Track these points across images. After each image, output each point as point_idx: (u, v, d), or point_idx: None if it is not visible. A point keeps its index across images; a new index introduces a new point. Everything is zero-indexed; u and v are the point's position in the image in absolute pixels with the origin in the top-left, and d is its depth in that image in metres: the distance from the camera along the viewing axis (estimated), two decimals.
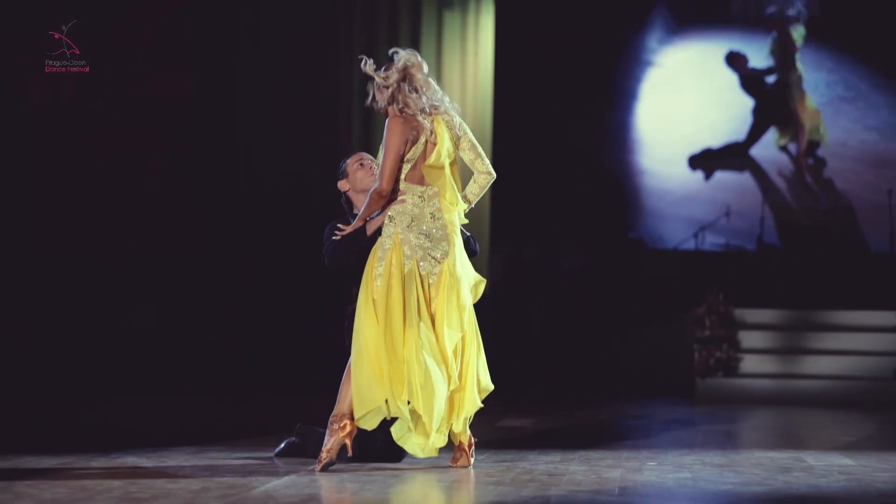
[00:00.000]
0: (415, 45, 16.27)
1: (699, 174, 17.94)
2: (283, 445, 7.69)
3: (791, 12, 17.95)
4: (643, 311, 15.81)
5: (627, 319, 15.77)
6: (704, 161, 17.91)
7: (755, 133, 17.99)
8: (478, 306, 7.04)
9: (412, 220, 6.95)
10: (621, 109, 18.11)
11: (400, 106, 7.03)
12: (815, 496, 6.32)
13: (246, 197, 15.60)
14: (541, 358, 15.48)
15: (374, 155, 7.40)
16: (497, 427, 9.92)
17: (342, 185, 7.68)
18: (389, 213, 6.97)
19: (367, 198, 7.08)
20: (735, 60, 17.98)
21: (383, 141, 7.04)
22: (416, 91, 7.06)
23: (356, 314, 6.93)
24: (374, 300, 6.86)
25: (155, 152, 15.17)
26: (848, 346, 14.74)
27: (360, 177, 7.56)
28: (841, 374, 14.32)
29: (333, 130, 16.30)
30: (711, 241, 17.79)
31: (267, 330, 15.39)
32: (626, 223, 17.96)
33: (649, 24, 18.19)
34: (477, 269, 7.18)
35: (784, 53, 17.94)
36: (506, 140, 16.44)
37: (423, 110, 7.02)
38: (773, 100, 17.97)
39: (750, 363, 14.44)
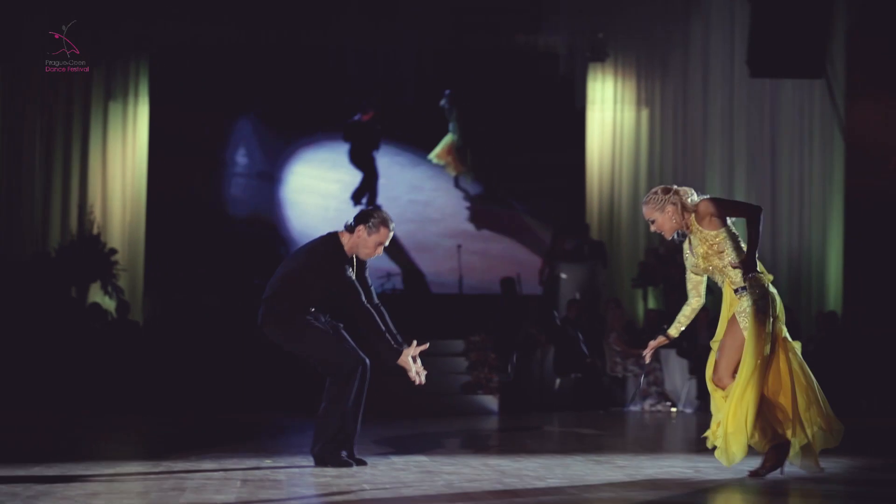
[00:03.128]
0: (85, 130, 19.98)
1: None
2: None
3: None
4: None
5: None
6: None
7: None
8: None
9: None
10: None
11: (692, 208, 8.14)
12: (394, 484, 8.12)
13: None
14: None
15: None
16: None
17: (360, 231, 8.38)
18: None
19: (751, 234, 7.82)
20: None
21: (714, 207, 7.96)
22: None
23: None
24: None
25: None
26: (437, 367, 15.89)
27: (366, 250, 8.44)
28: (424, 390, 17.19)
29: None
30: None
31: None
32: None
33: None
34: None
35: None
36: (161, 202, 20.11)
37: None
38: None
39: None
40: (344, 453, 8.46)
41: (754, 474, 8.01)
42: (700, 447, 8.79)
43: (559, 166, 20.92)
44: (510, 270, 20.16)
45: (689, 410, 16.90)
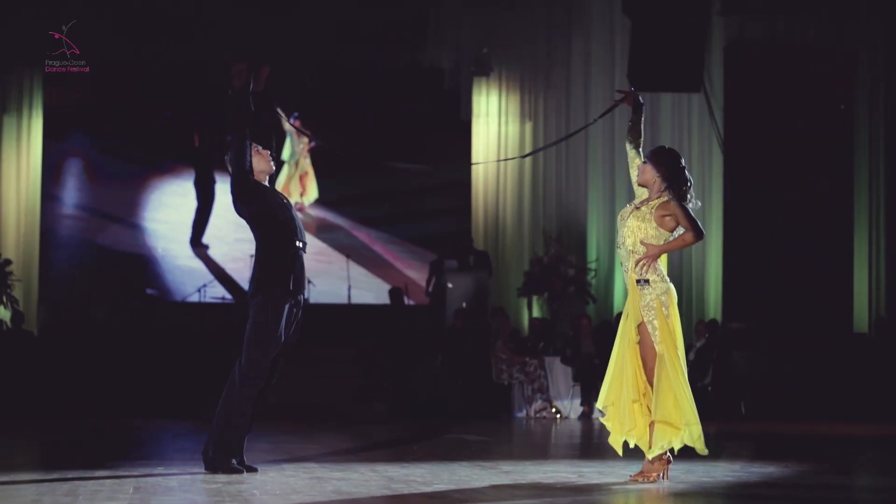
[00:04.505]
0: None
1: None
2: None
3: None
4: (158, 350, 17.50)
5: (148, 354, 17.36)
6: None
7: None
8: None
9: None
10: None
11: (679, 196, 8.18)
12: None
13: None
14: None
15: None
16: None
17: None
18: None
19: (682, 238, 8.06)
20: None
21: (679, 210, 8.05)
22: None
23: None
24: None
25: None
26: (327, 374, 16.82)
27: (256, 161, 8.55)
28: (316, 397, 16.36)
29: None
30: (212, 293, 20.52)
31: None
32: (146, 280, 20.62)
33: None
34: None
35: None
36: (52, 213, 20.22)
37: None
38: None
39: None
40: (234, 461, 8.53)
41: (638, 478, 8.17)
42: (584, 452, 8.95)
43: (444, 178, 21.12)
44: (398, 280, 20.35)
45: (573, 416, 17.20)
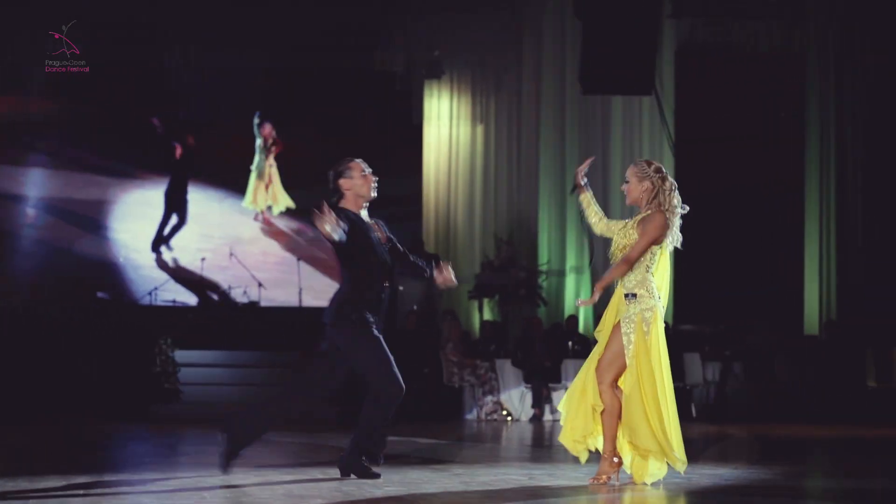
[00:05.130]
0: None
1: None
2: (222, 458, 8.36)
3: None
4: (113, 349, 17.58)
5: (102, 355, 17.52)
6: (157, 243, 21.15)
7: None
8: None
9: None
10: None
11: (665, 206, 8.22)
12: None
13: None
14: None
15: None
16: None
17: (345, 183, 8.37)
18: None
19: (618, 265, 8.03)
20: None
21: (646, 232, 8.03)
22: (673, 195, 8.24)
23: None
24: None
25: None
26: (276, 378, 16.86)
27: (361, 183, 8.43)
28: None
29: None
30: (162, 298, 20.48)
31: None
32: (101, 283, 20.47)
33: None
34: None
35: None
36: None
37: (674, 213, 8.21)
38: None
39: (193, 393, 17.08)
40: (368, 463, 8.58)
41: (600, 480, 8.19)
42: (534, 455, 8.97)
43: (396, 182, 21.10)
44: None
45: (524, 419, 17.22)
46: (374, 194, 8.46)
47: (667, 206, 8.29)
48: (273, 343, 18.08)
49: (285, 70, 21.10)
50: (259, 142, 21.35)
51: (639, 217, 8.27)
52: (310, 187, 21.17)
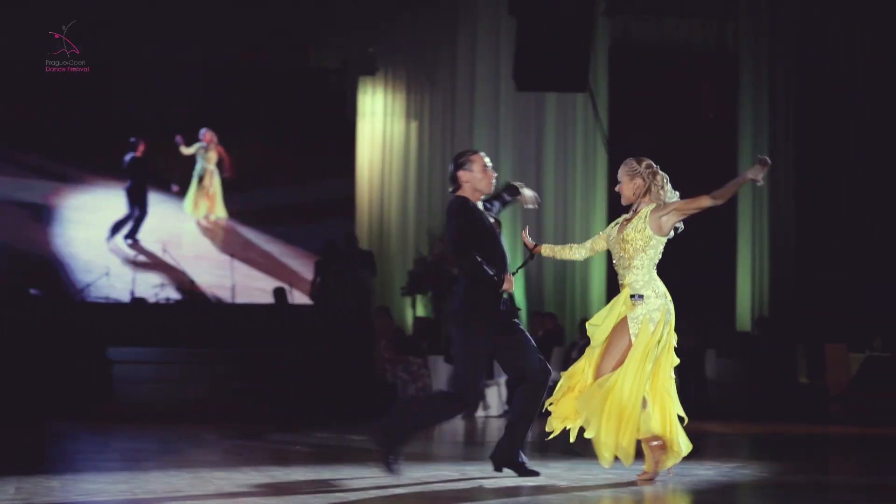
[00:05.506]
0: None
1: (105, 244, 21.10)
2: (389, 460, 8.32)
3: None
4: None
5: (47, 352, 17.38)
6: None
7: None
8: None
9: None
10: None
11: (661, 200, 8.25)
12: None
13: None
14: None
15: None
16: None
17: (464, 175, 8.35)
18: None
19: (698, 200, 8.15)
20: None
21: (673, 205, 8.18)
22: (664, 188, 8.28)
23: None
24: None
25: None
26: (210, 374, 17.19)
27: (481, 177, 8.43)
28: (200, 398, 16.67)
29: None
30: (95, 294, 20.39)
31: None
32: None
33: None
34: None
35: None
36: None
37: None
38: None
39: (128, 389, 17.05)
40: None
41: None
42: (467, 452, 8.95)
43: (329, 178, 21.13)
44: (282, 280, 20.29)
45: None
46: (491, 190, 8.45)
47: (662, 200, 8.34)
48: (207, 340, 17.96)
49: (219, 68, 20.99)
50: (196, 146, 21.27)
51: (646, 210, 8.30)
52: (244, 189, 21.44)
